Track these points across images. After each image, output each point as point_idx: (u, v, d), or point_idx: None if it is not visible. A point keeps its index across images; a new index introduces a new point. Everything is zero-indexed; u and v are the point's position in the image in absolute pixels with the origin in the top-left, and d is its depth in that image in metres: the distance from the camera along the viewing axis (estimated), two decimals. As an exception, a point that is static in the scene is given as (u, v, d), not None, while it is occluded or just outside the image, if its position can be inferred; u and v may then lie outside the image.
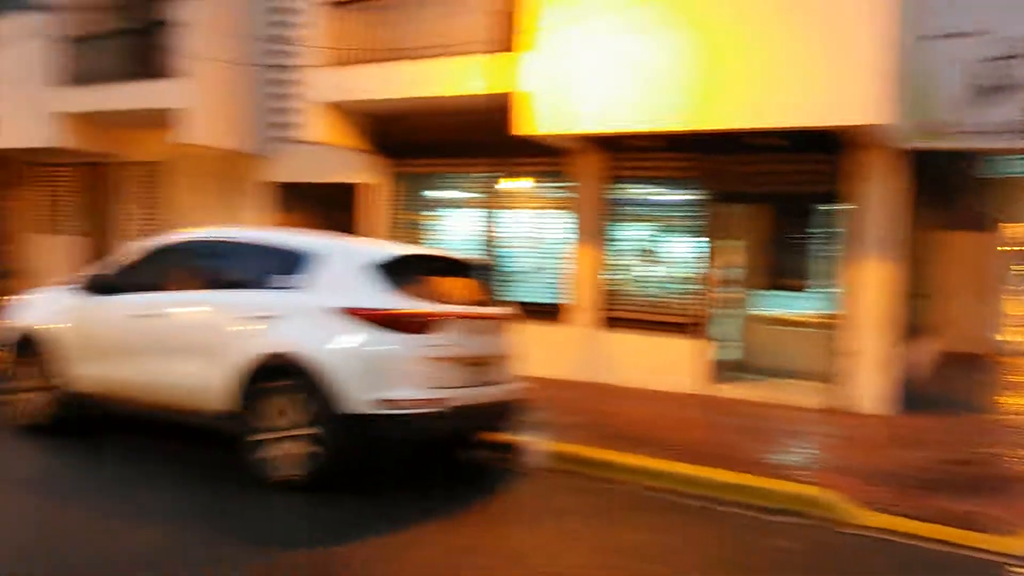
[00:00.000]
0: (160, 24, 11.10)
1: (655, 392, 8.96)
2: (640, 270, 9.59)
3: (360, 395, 5.10)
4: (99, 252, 13.24)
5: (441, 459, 6.45)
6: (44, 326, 6.57)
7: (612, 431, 6.94)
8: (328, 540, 4.44)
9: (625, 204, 9.63)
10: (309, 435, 5.17)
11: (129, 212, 13.22)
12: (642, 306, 9.47)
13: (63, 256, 13.69)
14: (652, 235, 9.59)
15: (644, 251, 9.59)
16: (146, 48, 11.28)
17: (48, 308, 6.72)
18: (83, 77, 11.59)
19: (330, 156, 10.87)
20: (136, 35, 11.48)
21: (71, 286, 6.68)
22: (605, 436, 6.71)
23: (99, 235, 13.48)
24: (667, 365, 9.10)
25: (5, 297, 9.28)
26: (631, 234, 9.63)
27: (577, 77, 8.34)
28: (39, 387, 6.52)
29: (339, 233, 6.89)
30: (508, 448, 6.49)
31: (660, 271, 9.49)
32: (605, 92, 8.20)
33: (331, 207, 11.03)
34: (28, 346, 6.61)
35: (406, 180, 10.94)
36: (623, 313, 9.51)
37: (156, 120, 11.20)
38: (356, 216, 11.03)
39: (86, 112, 11.77)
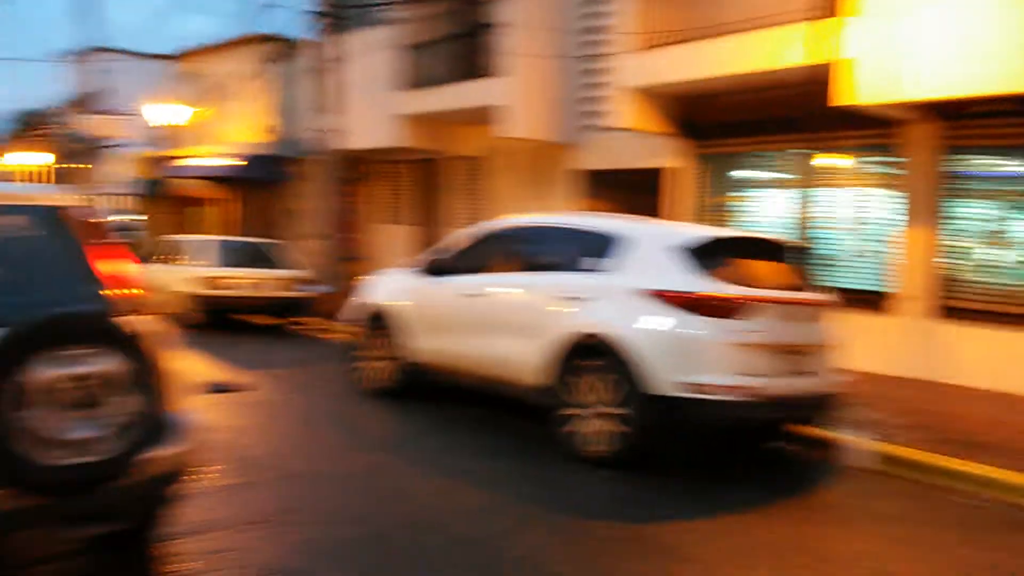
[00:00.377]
0: (484, 27, 12.01)
1: (1006, 394, 7.80)
2: (986, 253, 8.39)
3: (667, 377, 5.11)
4: (430, 239, 14.73)
5: (749, 448, 6.24)
6: (389, 303, 7.46)
7: (949, 435, 6.18)
8: (636, 517, 4.51)
9: (966, 178, 8.48)
10: (617, 414, 5.28)
11: (454, 202, 14.51)
12: (989, 295, 8.28)
13: (401, 243, 15.44)
14: (1002, 213, 8.33)
15: (992, 232, 8.37)
16: (472, 50, 12.28)
17: (392, 288, 7.61)
18: (419, 81, 12.93)
19: (636, 141, 10.97)
20: (464, 39, 12.55)
21: (411, 269, 7.51)
22: (940, 440, 6.00)
23: (430, 224, 14.99)
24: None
25: (357, 279, 10.72)
26: (974, 212, 8.46)
27: (910, 38, 7.48)
28: (385, 357, 7.42)
29: (646, 217, 6.93)
30: (822, 444, 6.09)
31: (1013, 254, 8.21)
32: (944, 53, 7.26)
33: (637, 192, 11.14)
34: (376, 321, 7.55)
35: (712, 162, 10.68)
36: (964, 303, 8.40)
37: (478, 117, 12.14)
38: (661, 200, 11.02)
39: (421, 113, 13.12)
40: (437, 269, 7.07)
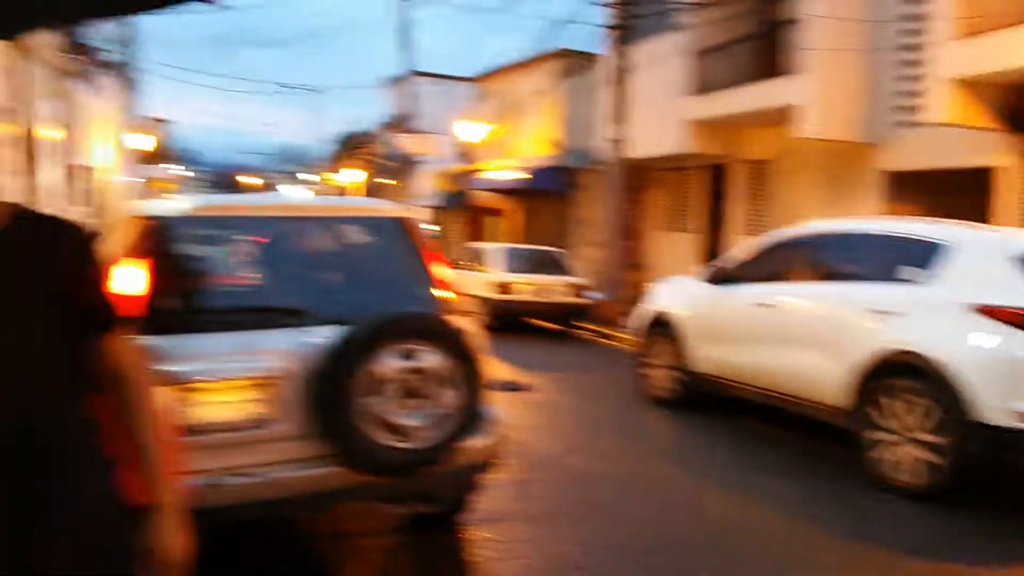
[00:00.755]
0: (780, 24, 11.48)
1: None
2: None
3: (1002, 405, 4.47)
4: (713, 246, 14.38)
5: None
6: (673, 312, 7.38)
7: None
8: (953, 555, 4.03)
9: None
10: (935, 442, 4.74)
11: (740, 208, 14.03)
12: None
13: (683, 250, 15.25)
14: None
15: None
16: (766, 50, 11.80)
17: (677, 296, 7.53)
18: (708, 85, 12.70)
19: (957, 138, 9.79)
20: (757, 39, 12.11)
21: (698, 277, 7.37)
22: None
23: (713, 231, 14.63)
24: None
25: (639, 286, 10.79)
26: None
27: None
28: (667, 365, 7.36)
29: (969, 222, 6.14)
30: None
31: None
32: None
33: (957, 194, 9.93)
34: (660, 329, 7.51)
35: (1054, 159, 9.20)
36: None
37: (768, 119, 11.63)
38: (990, 203, 9.71)
39: (708, 118, 12.87)
40: (726, 277, 6.87)
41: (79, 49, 13.58)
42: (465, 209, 23.15)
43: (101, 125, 16.32)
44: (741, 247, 7.17)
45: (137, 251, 3.14)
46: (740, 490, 5.01)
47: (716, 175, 14.58)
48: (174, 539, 1.63)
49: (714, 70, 12.55)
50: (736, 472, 5.43)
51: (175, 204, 3.55)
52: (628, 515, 4.48)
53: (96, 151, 15.77)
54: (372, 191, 33.02)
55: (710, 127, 13.14)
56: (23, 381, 1.51)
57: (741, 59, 12.25)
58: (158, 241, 3.23)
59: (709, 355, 6.83)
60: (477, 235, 22.49)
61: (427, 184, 25.27)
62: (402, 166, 25.26)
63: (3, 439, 1.49)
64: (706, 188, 14.91)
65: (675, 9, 13.04)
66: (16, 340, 1.50)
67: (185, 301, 3.25)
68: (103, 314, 1.62)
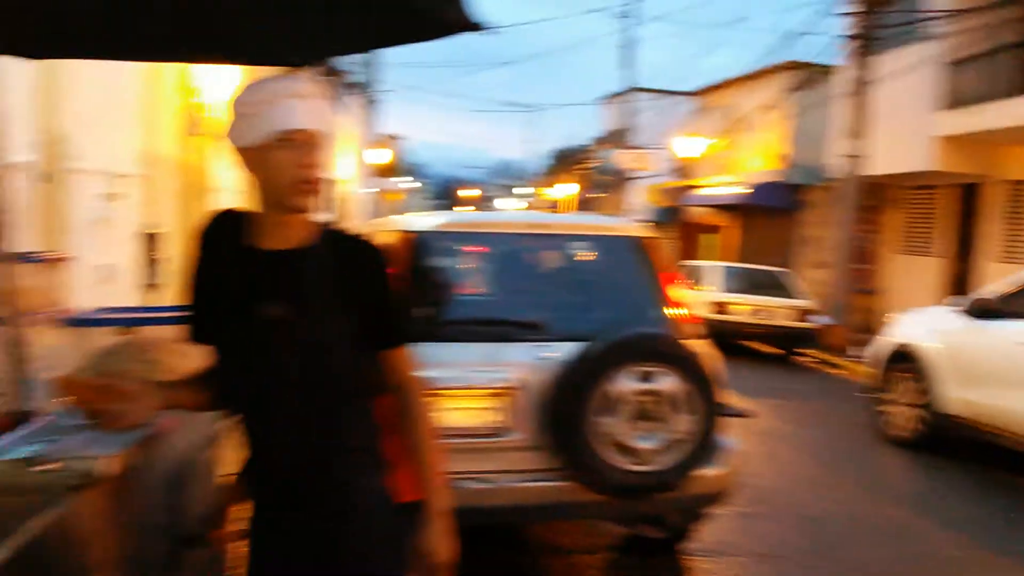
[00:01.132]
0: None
1: None
2: None
3: None
4: (957, 273, 13.02)
5: None
6: (919, 345, 6.74)
7: None
8: None
9: None
10: None
11: (994, 233, 12.59)
12: None
13: (920, 276, 13.95)
14: None
15: None
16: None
17: (925, 328, 6.86)
18: (960, 99, 11.55)
19: None
20: (1022, 49, 10.83)
21: (950, 308, 6.69)
22: None
23: (961, 256, 13.25)
24: None
25: (879, 315, 9.93)
26: None
27: None
28: (907, 402, 6.73)
29: None
30: None
31: None
32: None
33: None
34: (901, 362, 6.88)
35: None
36: None
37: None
38: None
39: (960, 134, 11.70)
40: (989, 311, 6.15)
41: (331, 72, 14.93)
42: (679, 225, 22.74)
43: (344, 141, 17.83)
44: (1009, 278, 6.39)
45: (396, 262, 3.35)
46: (994, 546, 4.47)
47: (967, 195, 13.20)
48: (442, 540, 1.70)
49: (969, 82, 11.38)
50: (989, 527, 4.84)
51: (429, 219, 3.76)
52: (859, 562, 4.14)
53: (339, 165, 17.24)
54: (584, 205, 33.39)
55: (963, 143, 11.93)
56: (320, 388, 1.62)
57: (1002, 71, 11.01)
58: (415, 253, 3.43)
59: (963, 395, 6.16)
60: (691, 252, 22.00)
61: (640, 199, 25.12)
62: (616, 181, 25.31)
63: (298, 445, 1.61)
64: (954, 209, 13.55)
65: (926, 19, 11.97)
66: (317, 349, 1.60)
67: (436, 311, 3.43)
68: (398, 326, 1.72)
